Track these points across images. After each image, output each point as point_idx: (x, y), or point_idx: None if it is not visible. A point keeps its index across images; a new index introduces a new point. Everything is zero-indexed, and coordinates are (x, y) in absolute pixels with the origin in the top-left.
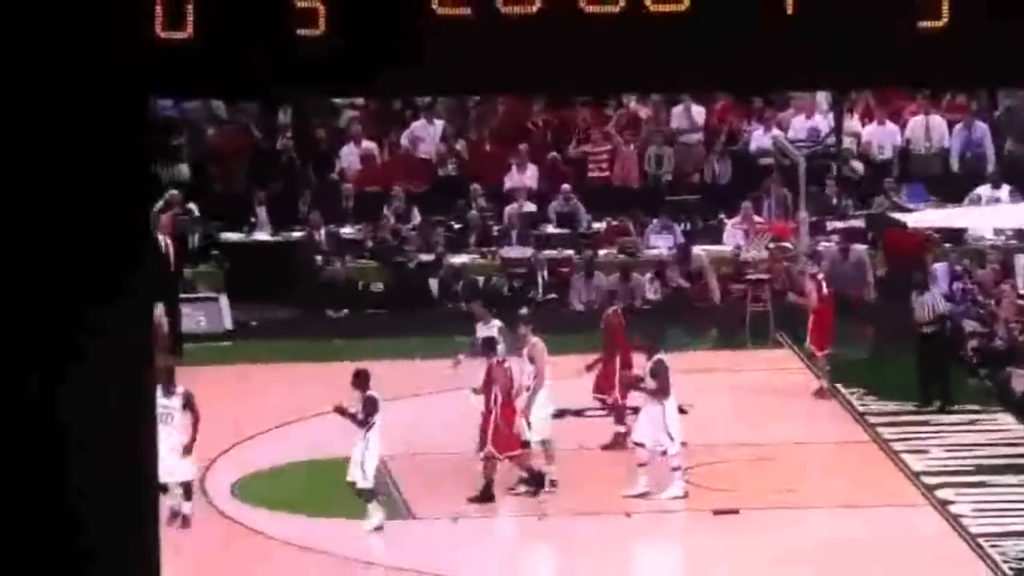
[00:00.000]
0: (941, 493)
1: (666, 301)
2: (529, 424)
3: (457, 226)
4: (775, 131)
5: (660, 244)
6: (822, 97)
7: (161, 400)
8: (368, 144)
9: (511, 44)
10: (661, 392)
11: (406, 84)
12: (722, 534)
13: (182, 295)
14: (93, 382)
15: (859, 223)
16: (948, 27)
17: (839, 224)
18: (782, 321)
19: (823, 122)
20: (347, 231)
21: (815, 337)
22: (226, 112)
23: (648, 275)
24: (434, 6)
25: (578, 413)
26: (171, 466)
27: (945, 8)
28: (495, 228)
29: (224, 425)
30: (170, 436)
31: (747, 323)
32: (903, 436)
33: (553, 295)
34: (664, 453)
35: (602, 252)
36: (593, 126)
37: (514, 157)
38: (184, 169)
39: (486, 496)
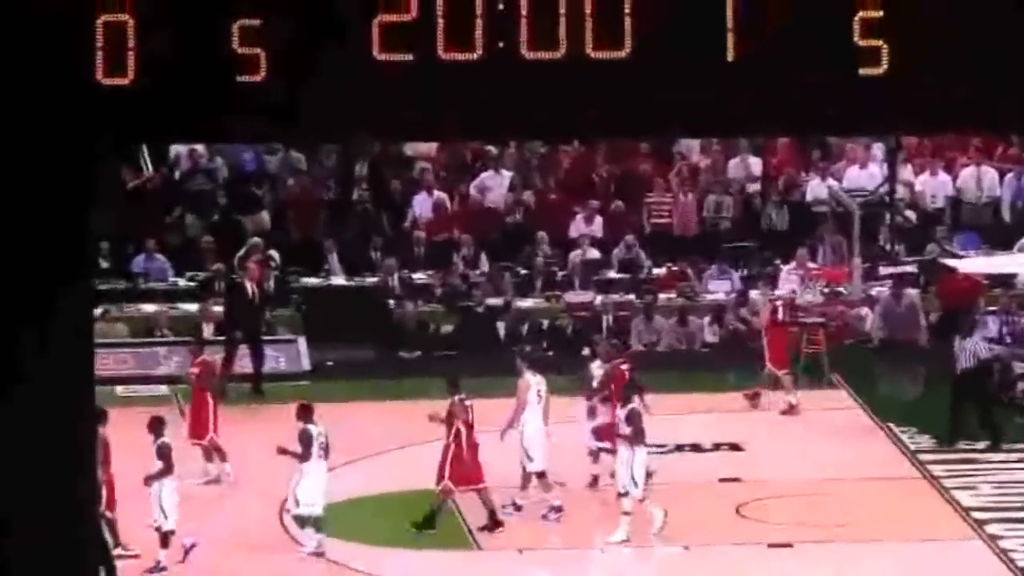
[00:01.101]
0: (991, 528)
1: (723, 343)
2: (530, 457)
3: (523, 272)
4: (830, 181)
5: (718, 289)
6: (877, 148)
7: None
8: (439, 194)
9: (452, 90)
10: (635, 439)
11: (346, 129)
12: (777, 568)
13: (264, 337)
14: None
15: (912, 268)
16: (888, 74)
17: (892, 269)
18: (837, 363)
19: (877, 172)
20: (419, 276)
21: (772, 357)
22: (305, 164)
23: (707, 319)
24: (375, 52)
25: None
26: None
27: (885, 56)
28: (560, 274)
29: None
30: None
31: (801, 365)
32: (953, 473)
33: (615, 339)
34: (624, 495)
35: (662, 296)
36: (654, 176)
37: (582, 209)
38: (265, 218)
39: (428, 524)
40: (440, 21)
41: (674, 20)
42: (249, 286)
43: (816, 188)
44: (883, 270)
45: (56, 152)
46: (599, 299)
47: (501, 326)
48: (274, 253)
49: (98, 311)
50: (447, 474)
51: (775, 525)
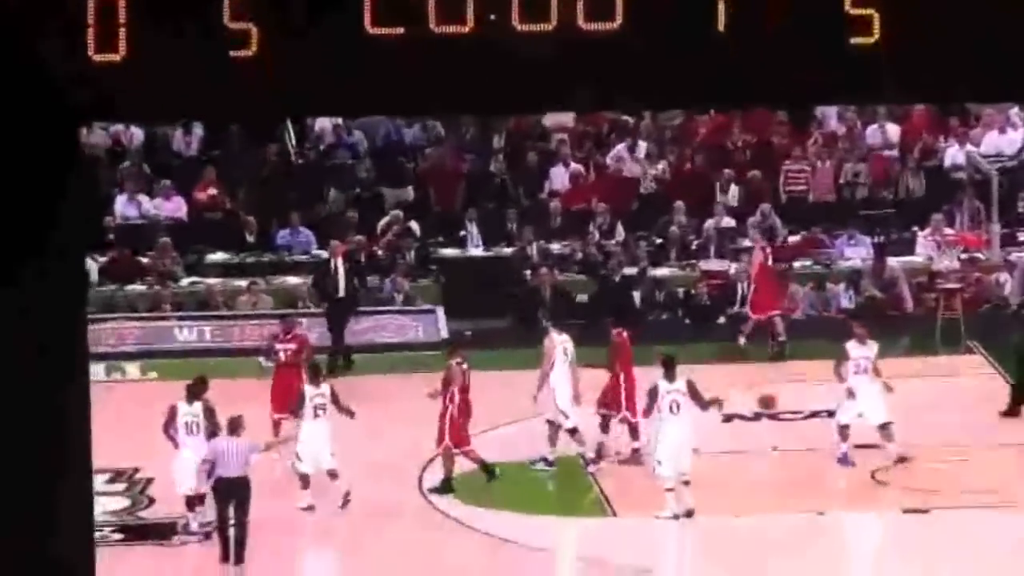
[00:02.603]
0: None
1: (860, 310)
2: (564, 415)
3: (659, 241)
4: (969, 147)
5: (854, 255)
6: (1016, 115)
7: (312, 391)
8: (576, 165)
9: (444, 63)
10: (644, 411)
11: (340, 104)
12: (912, 533)
13: (402, 307)
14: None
15: None
16: (880, 43)
17: None
18: (973, 329)
19: (1017, 137)
20: (555, 246)
21: (760, 301)
22: (444, 134)
23: (842, 285)
24: (367, 25)
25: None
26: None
27: (877, 25)
28: (695, 242)
29: (429, 429)
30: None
31: (939, 330)
32: None
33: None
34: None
35: (797, 264)
36: (792, 144)
37: (716, 178)
38: (408, 190)
39: (446, 488)
40: None
41: None
42: (333, 262)
43: (954, 154)
44: (1022, 235)
45: (44, 128)
46: (733, 267)
47: (636, 294)
48: (414, 225)
49: (243, 283)
50: (446, 436)
51: (911, 491)
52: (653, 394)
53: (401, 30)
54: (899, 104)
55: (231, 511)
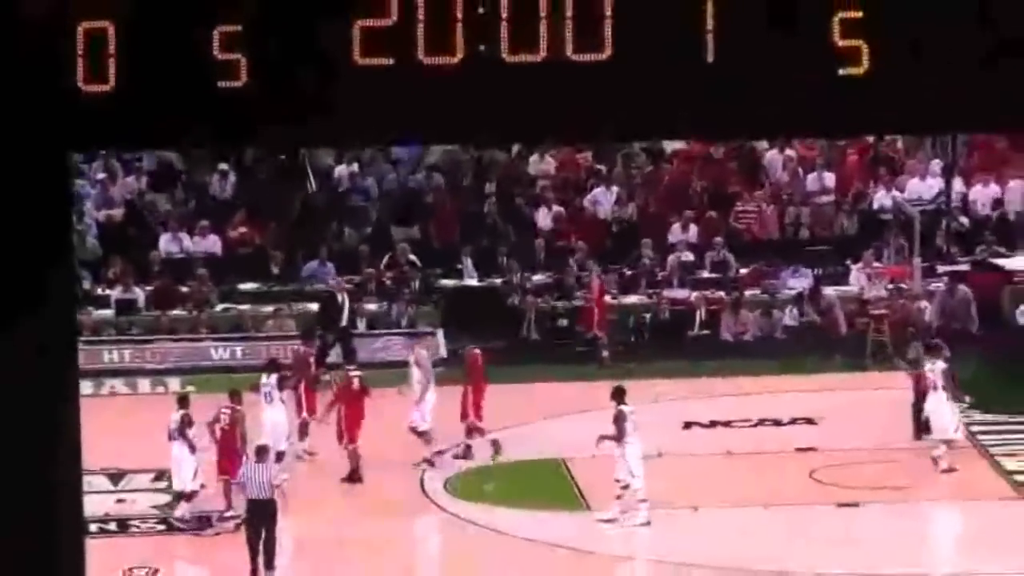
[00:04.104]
0: None
1: (801, 332)
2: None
3: (629, 272)
4: (894, 192)
5: (796, 285)
6: (935, 164)
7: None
8: (557, 208)
9: (433, 94)
10: (617, 437)
11: (328, 135)
12: (845, 525)
13: (407, 329)
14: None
15: (965, 267)
16: (868, 74)
17: (947, 268)
18: (899, 349)
19: (935, 184)
20: (539, 277)
21: (594, 322)
22: (443, 182)
23: (787, 310)
24: (356, 56)
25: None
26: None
27: (865, 56)
28: (660, 274)
29: (438, 434)
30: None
31: (868, 349)
32: (999, 442)
33: (706, 330)
34: (626, 487)
35: (748, 293)
36: (743, 192)
37: (678, 218)
38: (415, 230)
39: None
40: (420, 25)
41: (655, 22)
42: (339, 296)
43: (882, 198)
44: (940, 268)
45: (36, 156)
46: (693, 295)
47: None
48: (414, 258)
49: (270, 308)
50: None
51: (844, 488)
52: (621, 417)
53: (390, 61)
54: (888, 135)
55: (262, 530)
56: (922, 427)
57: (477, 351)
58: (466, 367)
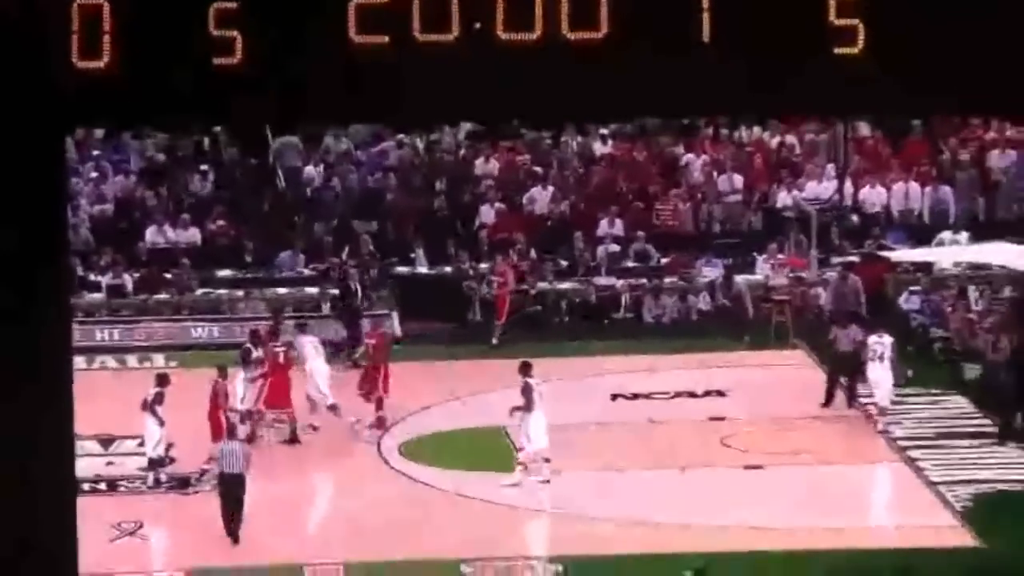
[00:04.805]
0: (912, 453)
1: (713, 315)
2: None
3: (564, 262)
4: (795, 192)
5: (709, 274)
6: (830, 167)
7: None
8: (500, 205)
9: (428, 72)
10: (526, 407)
11: (323, 112)
12: (751, 484)
13: (366, 312)
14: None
15: (855, 258)
16: (864, 53)
17: (840, 259)
18: (798, 330)
19: (830, 186)
20: (483, 266)
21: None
22: (397, 183)
23: (701, 295)
24: (352, 35)
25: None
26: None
27: (861, 35)
28: (590, 263)
29: (390, 405)
30: None
31: (772, 331)
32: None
33: (631, 313)
34: (521, 450)
35: (667, 280)
36: (662, 191)
37: (606, 214)
38: (374, 224)
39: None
40: (416, 3)
41: (650, 1)
42: (352, 284)
43: (784, 198)
44: (833, 259)
45: (32, 135)
46: (619, 282)
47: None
48: (373, 248)
49: (240, 293)
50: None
51: (750, 452)
52: (528, 389)
53: (386, 39)
54: (882, 115)
55: (231, 500)
56: (839, 394)
57: (382, 332)
58: (373, 348)
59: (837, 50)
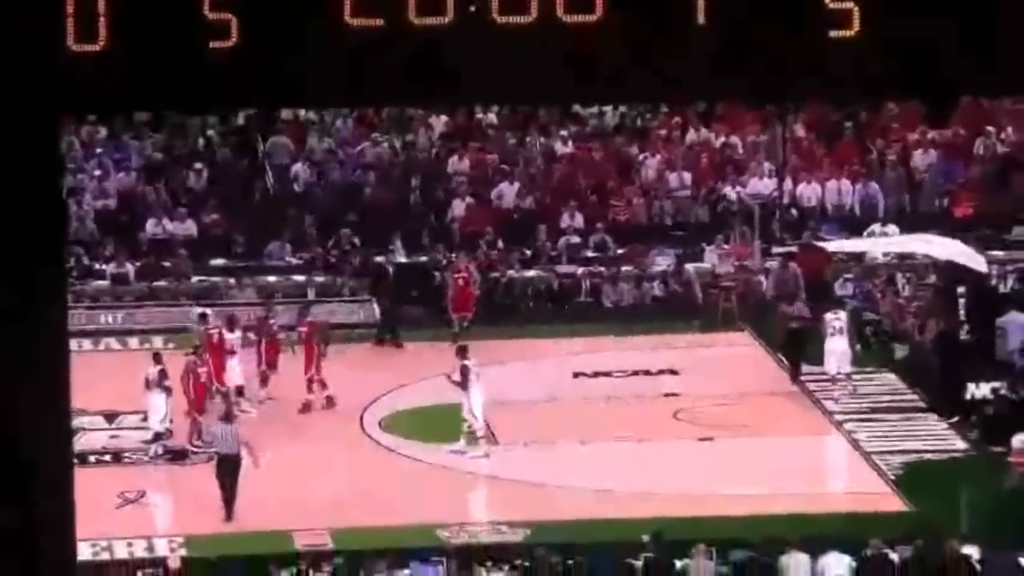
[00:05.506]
0: (848, 426)
1: (666, 300)
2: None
3: (528, 252)
4: (739, 188)
5: (662, 263)
6: (768, 166)
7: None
8: (470, 199)
9: (423, 54)
10: (463, 386)
11: (318, 95)
12: (702, 455)
13: (348, 298)
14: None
15: (794, 248)
16: (859, 36)
17: (780, 249)
18: (744, 314)
19: (770, 183)
20: (454, 256)
21: (456, 305)
22: (376, 179)
23: (655, 282)
24: (347, 17)
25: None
26: None
27: (856, 18)
28: (553, 253)
29: (371, 382)
30: None
31: (720, 315)
32: (823, 389)
33: (591, 298)
34: (470, 427)
35: (623, 268)
36: (618, 187)
37: (567, 208)
38: (354, 216)
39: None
40: None
41: None
42: (389, 269)
43: (730, 193)
44: (775, 250)
45: (23, 118)
46: (580, 270)
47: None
48: (355, 239)
49: (232, 280)
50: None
51: (701, 426)
52: (465, 371)
53: (380, 21)
54: (877, 100)
55: (227, 478)
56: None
57: (310, 320)
58: (306, 334)
59: (833, 33)
